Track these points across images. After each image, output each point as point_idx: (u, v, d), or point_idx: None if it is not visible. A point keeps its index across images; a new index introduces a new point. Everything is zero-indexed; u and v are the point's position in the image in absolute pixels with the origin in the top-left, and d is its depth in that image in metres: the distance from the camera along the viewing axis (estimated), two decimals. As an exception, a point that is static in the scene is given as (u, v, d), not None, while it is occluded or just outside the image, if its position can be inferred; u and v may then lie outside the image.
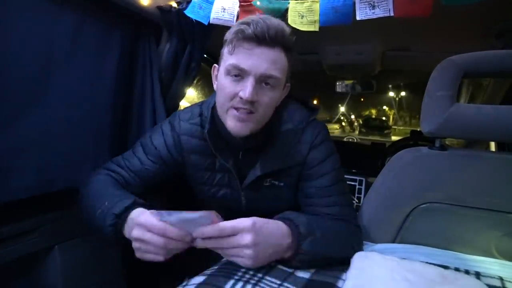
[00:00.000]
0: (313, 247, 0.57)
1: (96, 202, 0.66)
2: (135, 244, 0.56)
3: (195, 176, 0.80)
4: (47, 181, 0.80)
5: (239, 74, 0.63)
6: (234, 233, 0.53)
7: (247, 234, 0.53)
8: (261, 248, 0.54)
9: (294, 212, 0.61)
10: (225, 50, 0.66)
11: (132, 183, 0.77)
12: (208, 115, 0.75)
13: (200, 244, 0.55)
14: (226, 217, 0.57)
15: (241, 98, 0.62)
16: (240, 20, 0.64)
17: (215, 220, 0.53)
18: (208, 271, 0.57)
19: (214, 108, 0.74)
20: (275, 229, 0.57)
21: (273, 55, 0.62)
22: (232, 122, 0.66)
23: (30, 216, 0.80)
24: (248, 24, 0.61)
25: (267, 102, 0.66)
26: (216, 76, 0.71)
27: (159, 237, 0.53)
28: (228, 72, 0.64)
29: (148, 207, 0.65)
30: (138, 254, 0.56)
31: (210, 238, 0.54)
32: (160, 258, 0.55)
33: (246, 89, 0.62)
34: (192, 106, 0.82)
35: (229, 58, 0.64)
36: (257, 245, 0.53)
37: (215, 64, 0.73)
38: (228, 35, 0.65)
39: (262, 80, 0.64)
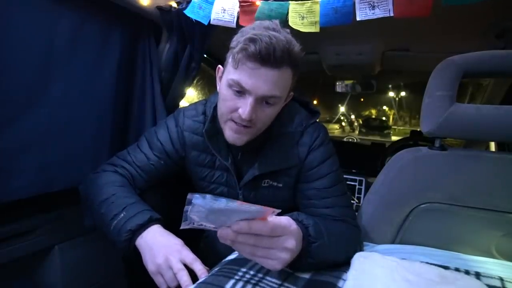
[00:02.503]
0: (321, 251, 0.56)
1: (109, 210, 0.67)
2: (157, 281, 0.61)
3: (195, 171, 0.82)
4: (47, 181, 0.80)
5: (240, 90, 0.63)
6: (282, 234, 0.48)
7: (292, 239, 0.49)
8: (293, 254, 0.51)
9: (302, 214, 0.60)
10: (230, 60, 0.65)
11: (138, 178, 0.78)
12: (210, 114, 0.76)
13: (230, 238, 0.45)
14: None
15: (239, 115, 0.63)
16: (248, 31, 0.61)
17: (265, 217, 0.46)
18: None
19: (216, 107, 0.75)
20: (299, 235, 0.54)
21: (276, 75, 0.61)
22: (229, 132, 0.68)
23: (30, 216, 0.80)
24: (254, 41, 0.58)
25: (265, 118, 0.67)
26: (220, 78, 0.71)
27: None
28: (230, 86, 0.64)
29: (163, 222, 0.68)
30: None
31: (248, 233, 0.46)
32: None
33: (245, 108, 0.62)
34: (197, 104, 0.83)
35: (232, 72, 0.63)
36: (293, 251, 0.50)
37: (219, 66, 0.73)
38: (235, 45, 0.62)
39: (263, 100, 0.64)
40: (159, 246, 0.61)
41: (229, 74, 0.64)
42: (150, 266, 0.61)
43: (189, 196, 0.42)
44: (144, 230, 0.64)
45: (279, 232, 0.48)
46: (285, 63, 0.61)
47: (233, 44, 0.64)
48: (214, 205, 0.42)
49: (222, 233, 0.45)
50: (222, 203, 0.41)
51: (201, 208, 0.42)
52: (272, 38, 0.58)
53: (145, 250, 0.62)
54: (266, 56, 0.58)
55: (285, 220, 0.50)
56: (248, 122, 0.65)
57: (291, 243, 0.49)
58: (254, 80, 0.60)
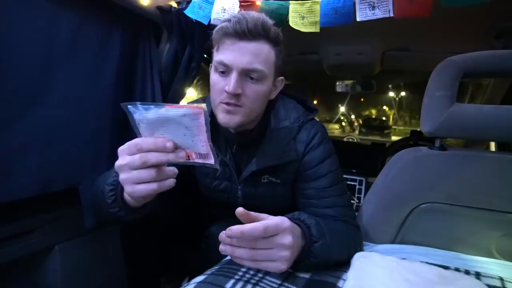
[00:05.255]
0: (323, 250, 0.56)
1: (100, 182, 0.61)
2: (121, 177, 0.48)
3: (199, 168, 0.82)
4: (47, 181, 0.79)
5: (224, 70, 0.65)
6: (276, 232, 0.48)
7: (287, 235, 0.49)
8: (293, 250, 0.51)
9: (303, 213, 0.61)
10: (214, 49, 0.69)
11: None
12: (209, 110, 0.76)
13: (227, 242, 0.47)
14: (223, 212, 0.54)
15: (226, 92, 0.65)
16: (223, 18, 0.66)
17: (201, 119, 0.43)
18: (208, 271, 0.57)
19: None
20: (296, 230, 0.54)
21: (254, 48, 0.64)
22: (221, 114, 0.69)
23: (30, 216, 0.80)
24: (228, 21, 0.63)
25: (253, 96, 0.67)
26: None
27: (136, 155, 0.45)
28: (216, 69, 0.67)
29: None
30: (128, 190, 0.48)
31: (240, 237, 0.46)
32: (152, 186, 0.46)
33: (230, 82, 0.64)
34: (198, 101, 0.85)
35: (215, 56, 0.67)
36: (292, 247, 0.50)
37: (211, 64, 0.74)
38: (213, 34, 0.67)
39: (246, 74, 0.65)
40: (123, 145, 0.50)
41: (214, 59, 0.68)
42: (116, 161, 0.49)
43: (123, 107, 0.43)
44: None
45: (272, 231, 0.48)
46: (261, 36, 0.64)
47: (213, 36, 0.68)
48: (147, 115, 0.44)
49: (221, 237, 0.47)
50: (152, 110, 0.43)
51: (138, 120, 0.45)
52: (244, 15, 0.64)
53: None
54: (240, 30, 0.62)
55: (277, 218, 0.50)
56: (236, 99, 0.66)
57: (288, 239, 0.49)
58: (233, 54, 0.64)
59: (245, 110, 0.68)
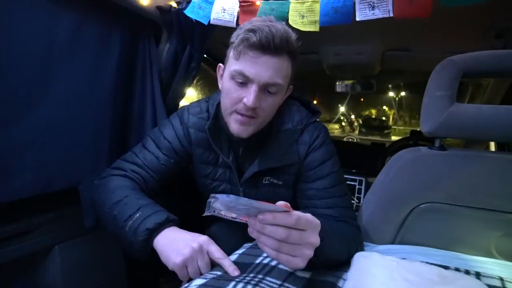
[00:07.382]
0: (325, 249, 0.55)
1: (123, 211, 0.65)
2: (182, 274, 0.58)
3: (198, 169, 0.82)
4: (47, 181, 0.79)
5: (243, 80, 0.64)
6: (306, 228, 0.47)
7: (316, 234, 0.48)
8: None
9: (306, 213, 0.60)
10: (231, 54, 0.67)
11: (149, 179, 0.77)
12: (213, 112, 0.77)
13: (257, 228, 0.45)
14: None
15: (244, 104, 0.64)
16: (247, 25, 0.64)
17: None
18: (209, 274, 0.57)
19: (218, 105, 0.76)
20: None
21: (277, 63, 0.63)
22: (235, 125, 0.69)
23: (30, 216, 0.80)
24: (254, 31, 0.61)
25: (268, 107, 0.68)
26: (222, 76, 0.72)
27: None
28: (232, 77, 0.66)
29: (178, 223, 0.66)
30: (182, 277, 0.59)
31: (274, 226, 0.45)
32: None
33: (249, 96, 0.63)
34: (200, 101, 0.84)
35: (234, 64, 0.65)
36: (316, 246, 0.49)
37: (220, 64, 0.74)
38: (235, 39, 0.65)
39: (265, 88, 0.65)
40: (186, 239, 0.59)
41: (231, 66, 0.66)
42: (175, 258, 0.57)
43: (212, 194, 0.46)
44: (163, 229, 0.62)
45: (303, 225, 0.46)
46: (284, 51, 0.64)
47: (232, 39, 0.67)
48: (237, 200, 0.43)
49: (251, 222, 0.45)
50: (243, 199, 0.42)
51: (223, 201, 0.45)
52: (270, 28, 0.61)
53: (167, 245, 0.60)
54: (266, 44, 0.61)
55: (309, 215, 0.49)
56: (253, 112, 0.66)
57: (315, 238, 0.48)
58: (256, 68, 0.63)
59: (258, 121, 0.69)
